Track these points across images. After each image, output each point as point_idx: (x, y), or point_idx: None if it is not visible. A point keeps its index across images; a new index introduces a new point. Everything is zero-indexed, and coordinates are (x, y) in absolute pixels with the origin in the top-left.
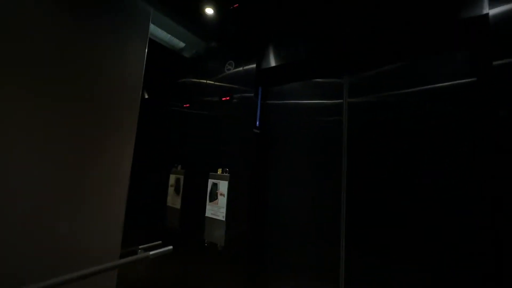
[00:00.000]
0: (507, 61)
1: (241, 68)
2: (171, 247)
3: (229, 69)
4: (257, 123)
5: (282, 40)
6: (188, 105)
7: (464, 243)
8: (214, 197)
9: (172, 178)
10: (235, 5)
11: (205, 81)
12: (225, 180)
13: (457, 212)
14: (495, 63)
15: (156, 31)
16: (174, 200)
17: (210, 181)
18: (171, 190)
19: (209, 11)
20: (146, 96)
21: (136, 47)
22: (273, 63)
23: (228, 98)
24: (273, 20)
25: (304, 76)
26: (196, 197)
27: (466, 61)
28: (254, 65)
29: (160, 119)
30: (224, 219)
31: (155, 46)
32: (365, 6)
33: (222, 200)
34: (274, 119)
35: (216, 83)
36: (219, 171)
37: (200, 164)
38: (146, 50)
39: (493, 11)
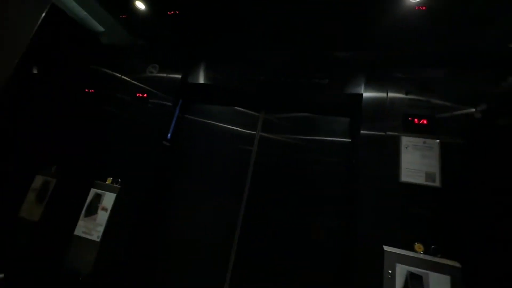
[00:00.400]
0: (369, 133)
1: (165, 75)
2: (2, 275)
3: (151, 72)
4: (169, 135)
5: (215, 61)
6: (92, 90)
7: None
8: (93, 211)
9: (38, 181)
10: (173, 12)
11: (119, 75)
12: (113, 192)
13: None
14: (362, 132)
15: (69, 2)
16: (31, 210)
17: (93, 191)
18: (31, 196)
19: (140, 5)
20: (35, 71)
21: (31, 6)
22: (201, 80)
23: (145, 95)
24: (210, 40)
25: (228, 101)
26: (68, 209)
27: (347, 125)
28: (180, 76)
29: (46, 101)
30: (98, 239)
31: (65, 19)
32: (282, 63)
33: (103, 216)
34: (189, 135)
35: (133, 81)
36: (109, 180)
37: (85, 168)
38: (43, 14)
39: (365, 94)
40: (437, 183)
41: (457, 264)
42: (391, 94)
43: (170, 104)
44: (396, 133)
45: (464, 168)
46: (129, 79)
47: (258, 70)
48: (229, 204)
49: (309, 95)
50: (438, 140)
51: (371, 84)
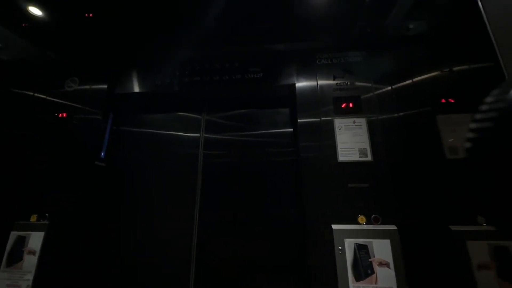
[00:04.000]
0: (306, 120)
1: (87, 87)
2: None
3: (70, 86)
4: (102, 154)
5: (144, 67)
6: None
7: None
8: (17, 258)
9: None
10: (86, 15)
11: (32, 93)
12: (41, 230)
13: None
14: (299, 120)
15: None
16: None
17: (14, 234)
18: None
19: (35, 11)
20: None
21: None
22: (132, 88)
23: (65, 115)
24: (135, 45)
25: (166, 107)
26: None
27: (287, 115)
28: (106, 86)
29: None
30: None
31: None
32: (216, 61)
33: (31, 261)
34: (128, 149)
35: (50, 98)
36: (33, 218)
37: (0, 207)
38: None
39: (298, 83)
40: (369, 158)
41: (393, 227)
42: (320, 81)
43: (99, 118)
44: (329, 118)
45: (389, 141)
46: (44, 96)
47: (192, 72)
48: (182, 212)
49: (246, 90)
50: (365, 118)
51: (302, 73)
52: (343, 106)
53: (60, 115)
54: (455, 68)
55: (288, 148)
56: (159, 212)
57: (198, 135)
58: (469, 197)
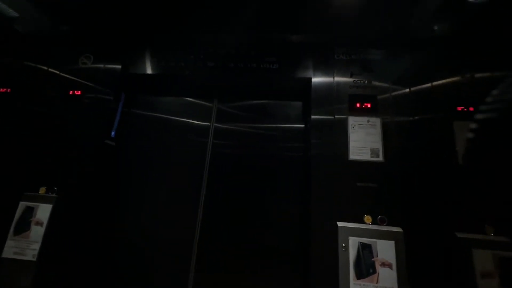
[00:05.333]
0: (319, 117)
1: (101, 66)
2: None
3: (85, 63)
4: (113, 133)
5: (160, 49)
6: (7, 89)
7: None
8: (24, 227)
9: None
10: None
11: (46, 68)
12: (49, 203)
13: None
14: (313, 117)
15: None
16: None
17: (23, 204)
18: None
19: None
20: None
21: None
22: (146, 70)
23: (79, 92)
24: (152, 26)
25: (178, 92)
26: None
27: (300, 110)
28: (120, 67)
29: None
30: (35, 259)
31: None
32: (232, 47)
33: (38, 232)
34: (137, 131)
35: (63, 74)
36: (42, 190)
37: (11, 178)
38: None
39: (314, 78)
40: (380, 158)
41: (399, 230)
42: (337, 78)
43: (110, 98)
44: (343, 116)
45: (401, 143)
46: (58, 72)
47: (207, 56)
48: (187, 200)
49: (260, 80)
50: (380, 118)
51: (319, 67)
52: (358, 105)
53: (72, 92)
54: (477, 75)
55: (299, 144)
56: (164, 196)
57: (209, 124)
58: (479, 205)
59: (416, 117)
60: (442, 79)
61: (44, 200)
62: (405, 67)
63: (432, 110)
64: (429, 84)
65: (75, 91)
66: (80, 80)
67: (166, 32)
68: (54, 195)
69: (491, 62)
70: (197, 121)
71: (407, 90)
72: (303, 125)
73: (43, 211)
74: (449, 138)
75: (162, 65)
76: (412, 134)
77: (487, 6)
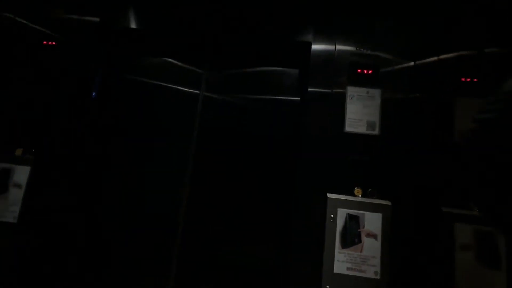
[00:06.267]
0: (317, 90)
1: (75, 17)
2: None
3: (57, 13)
4: (94, 94)
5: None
6: None
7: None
8: (2, 189)
9: None
10: None
11: (12, 16)
12: (26, 164)
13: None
14: (310, 89)
15: None
16: None
17: None
18: None
19: None
20: None
21: None
22: (129, 24)
23: (54, 43)
24: None
25: (165, 53)
26: None
27: (296, 79)
28: (98, 19)
29: None
30: (16, 220)
31: None
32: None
33: (16, 195)
34: (119, 96)
35: (32, 24)
36: (18, 151)
37: None
38: None
39: (314, 45)
40: (376, 132)
41: (388, 203)
42: (339, 46)
43: (88, 55)
44: (342, 90)
45: (399, 118)
46: (28, 23)
47: (196, 11)
48: (172, 176)
49: (255, 42)
50: (379, 90)
51: (320, 34)
52: (358, 71)
53: (46, 42)
54: (487, 50)
55: (292, 117)
56: (148, 162)
57: (198, 92)
58: (467, 184)
59: (417, 92)
60: (450, 52)
61: (21, 161)
62: (411, 38)
63: (434, 85)
64: (435, 58)
65: (49, 42)
66: (52, 33)
67: None
68: (31, 156)
69: (504, 37)
70: (186, 88)
71: (412, 63)
72: (298, 98)
73: (21, 173)
74: (449, 113)
75: (146, 18)
76: (411, 109)
77: None
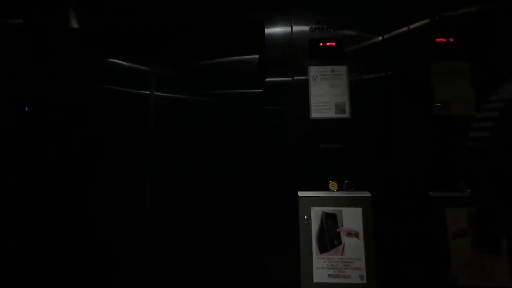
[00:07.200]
0: (275, 79)
1: None
2: None
3: None
4: (26, 108)
5: None
6: None
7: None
8: None
9: None
10: None
11: None
12: None
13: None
14: (267, 80)
15: None
16: None
17: None
18: None
19: None
20: None
21: None
22: (70, 22)
23: None
24: None
25: (108, 54)
26: None
27: (256, 70)
28: (20, 21)
29: None
30: None
31: None
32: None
33: None
34: (62, 103)
35: None
36: None
37: None
38: None
39: (268, 29)
40: (346, 114)
41: (367, 194)
42: (296, 27)
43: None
44: (304, 77)
45: (372, 96)
46: None
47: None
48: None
49: (204, 29)
50: (346, 66)
51: (272, 12)
52: (320, 44)
53: None
54: (460, 11)
55: (257, 111)
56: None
57: (148, 92)
58: (454, 161)
59: (389, 63)
60: (419, 20)
61: None
62: (378, 10)
63: (407, 53)
64: (405, 28)
65: None
66: None
67: None
68: None
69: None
70: (133, 89)
71: (380, 37)
72: (260, 90)
73: None
74: (426, 85)
75: (82, 17)
76: (384, 86)
77: None
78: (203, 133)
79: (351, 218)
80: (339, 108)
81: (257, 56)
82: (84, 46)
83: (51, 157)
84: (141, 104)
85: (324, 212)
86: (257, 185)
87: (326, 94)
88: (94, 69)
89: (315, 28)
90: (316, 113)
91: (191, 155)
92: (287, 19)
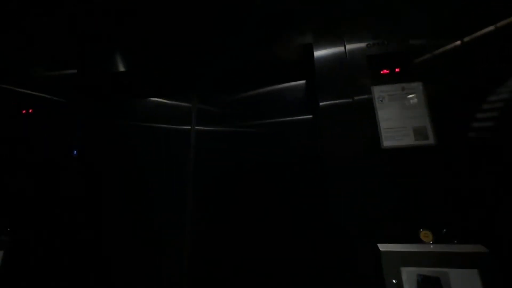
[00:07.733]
0: (331, 103)
1: (54, 73)
2: None
3: (36, 72)
4: (75, 152)
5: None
6: None
7: None
8: None
9: None
10: None
11: None
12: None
13: None
14: (321, 104)
15: None
16: None
17: None
18: None
19: None
20: None
21: None
22: (111, 68)
23: (30, 111)
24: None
25: (147, 93)
26: None
27: (303, 95)
28: (75, 71)
29: None
30: None
31: None
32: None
33: None
34: (104, 147)
35: (11, 87)
36: None
37: None
38: None
39: (317, 52)
40: (430, 140)
41: (482, 249)
42: (349, 45)
43: (67, 110)
44: (364, 96)
45: (460, 116)
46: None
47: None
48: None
49: (246, 59)
50: (420, 83)
51: (321, 34)
52: (381, 61)
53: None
54: None
55: (306, 140)
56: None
57: (189, 127)
58: None
59: (478, 74)
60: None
61: None
62: (450, 9)
63: (499, 60)
64: (492, 27)
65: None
66: (32, 92)
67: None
68: (5, 238)
69: None
70: (174, 125)
71: (459, 42)
72: (310, 116)
73: None
74: None
75: (123, 59)
76: (474, 99)
77: None
78: (246, 167)
79: (464, 285)
80: (419, 133)
81: (303, 81)
82: (129, 87)
83: (107, 190)
84: (182, 139)
85: (421, 275)
86: (314, 230)
87: (399, 117)
88: (140, 108)
89: (373, 43)
90: (388, 140)
91: (233, 194)
92: (338, 38)
